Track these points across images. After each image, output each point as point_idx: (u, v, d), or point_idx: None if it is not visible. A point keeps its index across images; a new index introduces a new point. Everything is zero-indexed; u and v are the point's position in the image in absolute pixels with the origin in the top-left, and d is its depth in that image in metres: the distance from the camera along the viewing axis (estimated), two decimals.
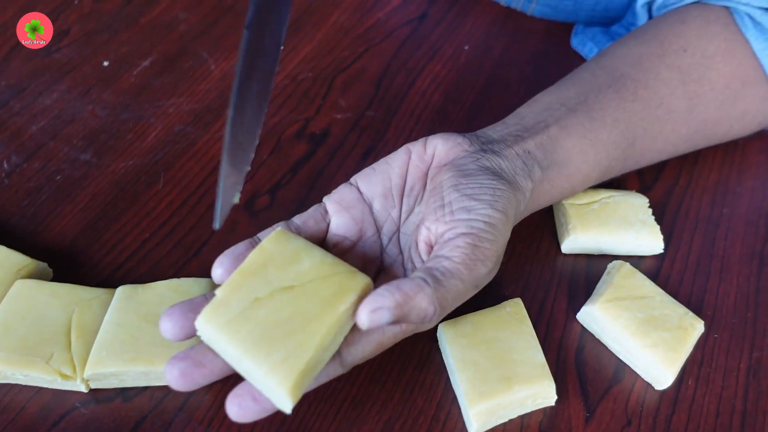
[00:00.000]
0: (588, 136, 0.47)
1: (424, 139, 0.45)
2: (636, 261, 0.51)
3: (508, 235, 0.42)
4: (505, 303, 0.45)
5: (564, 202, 0.50)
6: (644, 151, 0.51)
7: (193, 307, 0.38)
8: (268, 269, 0.38)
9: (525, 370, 0.42)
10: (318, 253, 0.39)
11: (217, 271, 0.40)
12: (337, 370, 0.39)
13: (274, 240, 0.39)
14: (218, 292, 0.37)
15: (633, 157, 0.51)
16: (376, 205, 0.44)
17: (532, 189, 0.45)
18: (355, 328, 0.38)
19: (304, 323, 0.36)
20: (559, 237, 0.51)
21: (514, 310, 0.45)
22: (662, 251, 0.51)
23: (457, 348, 0.43)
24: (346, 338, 0.38)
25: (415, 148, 0.45)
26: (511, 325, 0.44)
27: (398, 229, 0.44)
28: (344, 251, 0.43)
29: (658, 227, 0.51)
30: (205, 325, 0.36)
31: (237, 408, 0.36)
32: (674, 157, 0.58)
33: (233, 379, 0.43)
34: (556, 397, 0.43)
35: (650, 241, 0.50)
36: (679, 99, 0.51)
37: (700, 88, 0.51)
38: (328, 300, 0.37)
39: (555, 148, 0.46)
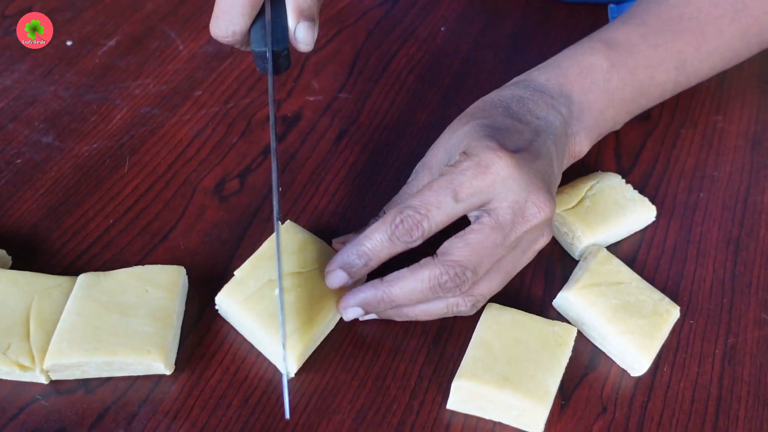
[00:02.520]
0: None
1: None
2: (613, 246, 0.50)
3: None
4: (558, 322, 0.44)
5: (557, 210, 0.49)
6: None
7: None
8: (280, 256, 0.42)
9: (528, 384, 0.41)
10: (322, 245, 0.45)
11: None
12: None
13: (284, 232, 0.45)
14: (237, 273, 0.43)
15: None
16: None
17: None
18: None
19: (311, 303, 0.42)
20: (568, 247, 0.50)
21: (562, 333, 0.43)
22: (655, 219, 0.52)
23: (486, 327, 0.43)
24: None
25: None
26: (549, 343, 0.42)
27: None
28: None
29: (645, 198, 0.51)
30: (226, 300, 0.43)
31: None
32: (652, 141, 0.57)
33: (196, 373, 0.42)
34: (542, 428, 0.41)
35: (646, 214, 0.51)
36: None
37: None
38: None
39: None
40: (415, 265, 0.41)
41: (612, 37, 0.50)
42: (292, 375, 0.42)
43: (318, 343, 0.44)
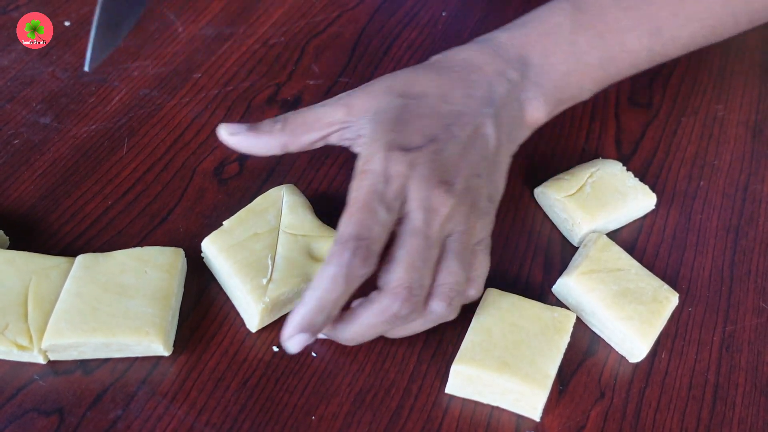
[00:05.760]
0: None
1: None
2: (613, 233, 0.50)
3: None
4: (557, 308, 0.44)
5: (558, 196, 0.49)
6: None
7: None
8: (269, 212, 0.45)
9: (527, 369, 0.41)
10: (315, 221, 0.46)
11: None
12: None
13: (279, 190, 0.47)
14: (225, 223, 0.45)
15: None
16: None
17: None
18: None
19: (289, 266, 0.43)
20: (567, 233, 0.50)
21: (562, 318, 0.43)
22: (654, 207, 0.51)
23: (485, 312, 0.43)
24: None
25: None
26: (548, 328, 0.42)
27: None
28: None
29: (645, 186, 0.51)
30: (211, 246, 0.44)
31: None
32: (652, 129, 0.57)
33: (194, 355, 0.42)
34: (540, 413, 0.41)
35: (646, 201, 0.50)
36: None
37: None
38: (312, 255, 0.44)
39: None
40: (365, 301, 0.39)
41: None
42: (253, 331, 0.43)
43: (287, 309, 0.44)
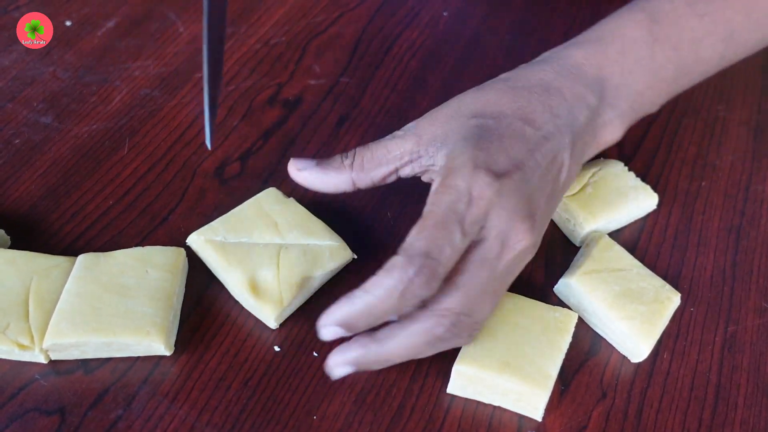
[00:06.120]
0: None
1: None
2: (614, 233, 0.50)
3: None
4: (559, 308, 0.43)
5: None
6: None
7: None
8: (256, 219, 0.45)
9: (528, 369, 0.40)
10: (308, 216, 0.46)
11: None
12: None
13: (266, 195, 0.47)
14: (215, 222, 0.45)
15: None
16: None
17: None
18: None
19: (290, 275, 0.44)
20: (569, 233, 0.50)
21: (563, 318, 0.43)
22: (656, 207, 0.51)
23: None
24: None
25: None
26: (549, 329, 0.42)
27: None
28: None
29: (647, 186, 0.51)
30: (196, 237, 0.45)
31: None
32: (654, 129, 0.57)
33: (196, 355, 0.42)
34: (541, 413, 0.41)
35: (647, 201, 0.50)
36: None
37: None
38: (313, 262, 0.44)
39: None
40: (405, 320, 0.37)
41: (656, 6, 0.46)
42: (276, 326, 0.44)
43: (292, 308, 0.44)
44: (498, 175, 0.38)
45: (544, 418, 0.42)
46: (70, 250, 0.46)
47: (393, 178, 0.43)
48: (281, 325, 0.44)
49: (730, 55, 0.48)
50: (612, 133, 0.45)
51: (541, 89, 0.43)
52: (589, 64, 0.44)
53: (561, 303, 0.47)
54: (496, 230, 0.37)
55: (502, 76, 0.45)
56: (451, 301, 0.36)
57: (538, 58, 0.46)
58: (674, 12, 0.45)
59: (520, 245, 0.38)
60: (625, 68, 0.45)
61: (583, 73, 0.44)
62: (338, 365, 0.38)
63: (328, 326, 0.37)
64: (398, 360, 0.38)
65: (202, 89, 0.56)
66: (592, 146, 0.45)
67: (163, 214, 0.49)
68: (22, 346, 0.40)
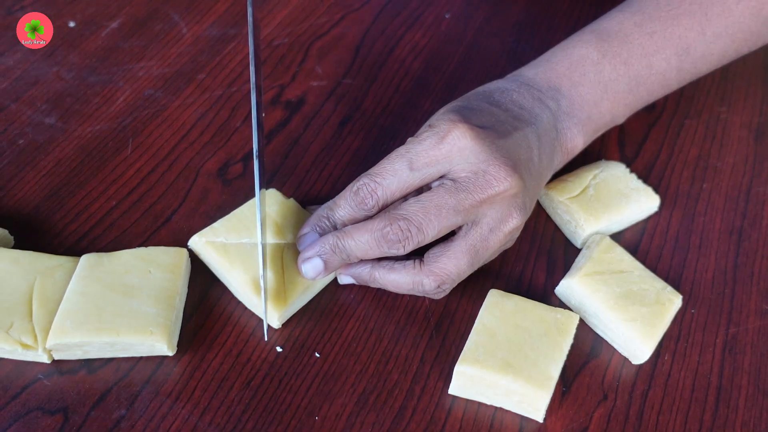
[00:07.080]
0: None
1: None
2: (616, 235, 0.50)
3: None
4: (561, 309, 0.44)
5: (561, 198, 0.49)
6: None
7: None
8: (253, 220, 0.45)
9: (530, 371, 0.41)
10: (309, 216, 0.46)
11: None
12: None
13: (266, 195, 0.47)
14: (217, 223, 0.45)
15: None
16: None
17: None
18: None
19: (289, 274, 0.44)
20: (570, 235, 0.50)
21: (565, 320, 0.43)
22: (658, 209, 0.52)
23: (488, 313, 0.43)
24: None
25: None
26: (551, 330, 0.42)
27: None
28: None
29: (649, 188, 0.51)
30: (198, 239, 0.45)
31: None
32: (656, 131, 0.57)
33: (198, 355, 0.42)
34: (543, 414, 0.41)
35: (649, 204, 0.51)
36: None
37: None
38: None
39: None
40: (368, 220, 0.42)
41: (605, 27, 0.49)
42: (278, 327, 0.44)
43: (292, 310, 0.45)
44: (473, 125, 0.42)
45: (545, 419, 0.42)
46: (74, 249, 0.46)
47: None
48: (283, 325, 0.44)
49: (689, 67, 0.50)
50: (572, 139, 0.47)
51: (501, 92, 0.47)
52: (540, 78, 0.48)
53: (562, 304, 0.47)
54: (467, 171, 0.41)
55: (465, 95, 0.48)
56: (408, 209, 0.41)
57: (495, 80, 0.49)
58: (622, 32, 0.48)
59: (495, 187, 0.41)
60: (574, 81, 0.48)
61: (537, 84, 0.47)
62: (307, 260, 0.43)
63: (306, 251, 0.43)
64: (358, 253, 0.42)
65: (204, 90, 0.56)
66: (557, 149, 0.47)
67: (167, 214, 0.49)
68: (25, 346, 0.40)
